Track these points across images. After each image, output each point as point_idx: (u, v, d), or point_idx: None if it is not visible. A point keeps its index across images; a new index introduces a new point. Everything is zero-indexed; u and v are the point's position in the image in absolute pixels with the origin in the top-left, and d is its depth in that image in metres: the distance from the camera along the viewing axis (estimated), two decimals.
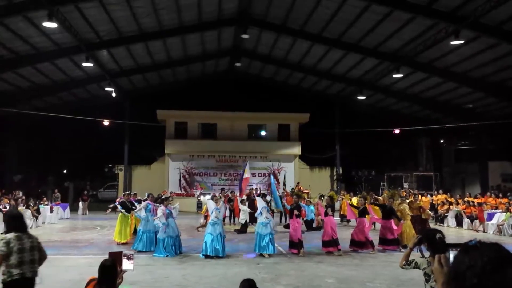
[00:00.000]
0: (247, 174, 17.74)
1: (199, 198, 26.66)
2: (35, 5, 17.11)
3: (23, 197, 22.38)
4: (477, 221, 20.32)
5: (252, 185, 25.04)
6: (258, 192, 21.13)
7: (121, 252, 4.45)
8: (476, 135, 29.15)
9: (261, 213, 13.28)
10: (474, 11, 16.82)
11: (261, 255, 12.87)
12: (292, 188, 24.20)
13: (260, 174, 31.55)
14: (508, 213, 18.72)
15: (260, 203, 13.65)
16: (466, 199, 22.76)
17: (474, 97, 25.93)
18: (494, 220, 19.51)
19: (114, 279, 4.28)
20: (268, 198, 15.95)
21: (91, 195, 36.19)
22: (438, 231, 4.13)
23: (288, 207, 14.96)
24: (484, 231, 19.67)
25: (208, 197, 15.76)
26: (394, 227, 14.27)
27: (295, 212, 13.65)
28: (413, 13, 18.59)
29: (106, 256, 4.47)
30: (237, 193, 21.82)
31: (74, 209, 27.93)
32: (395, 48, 22.54)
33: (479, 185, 28.60)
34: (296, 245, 13.39)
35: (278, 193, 17.53)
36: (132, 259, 4.38)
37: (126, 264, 4.34)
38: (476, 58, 21.07)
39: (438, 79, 24.69)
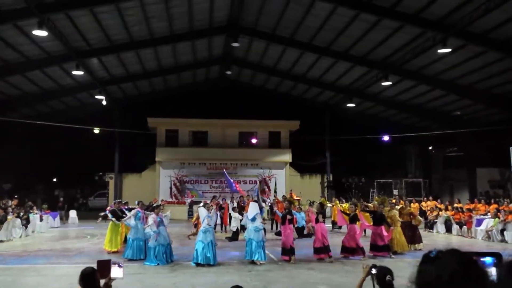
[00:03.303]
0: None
1: (188, 204, 26.60)
2: (25, 13, 17.03)
3: (13, 206, 22.22)
4: (466, 227, 20.50)
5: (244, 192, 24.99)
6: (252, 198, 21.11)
7: (109, 260, 4.43)
8: (464, 142, 29.43)
9: (255, 218, 13.26)
10: (461, 19, 17.08)
11: (253, 262, 12.86)
12: (284, 196, 24.25)
13: (251, 182, 31.56)
14: (497, 219, 18.90)
15: (254, 209, 13.61)
16: (455, 205, 22.95)
17: (462, 104, 26.25)
18: (483, 226, 19.68)
19: (96, 287, 4.27)
20: (268, 201, 15.90)
21: (81, 204, 36.02)
22: (389, 271, 4.13)
23: (280, 214, 14.99)
24: (472, 237, 19.85)
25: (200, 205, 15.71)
26: (385, 233, 14.36)
27: (288, 217, 13.68)
28: (401, 22, 18.85)
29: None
30: (228, 201, 21.86)
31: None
32: (384, 56, 22.77)
33: (468, 192, 28.87)
34: (288, 252, 13.41)
35: (267, 201, 17.60)
36: (122, 266, 4.37)
37: (115, 272, 4.31)
38: (463, 66, 21.35)
39: (426, 87, 24.97)
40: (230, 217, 19.64)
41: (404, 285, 1.85)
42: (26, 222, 21.10)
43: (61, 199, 29.26)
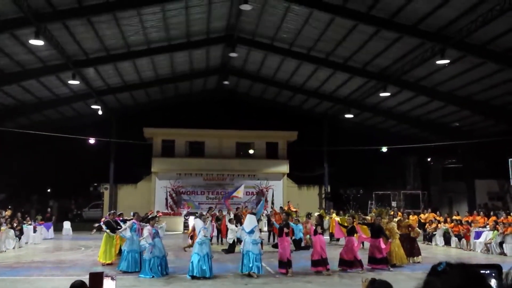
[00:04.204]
0: (239, 194, 17.51)
1: (185, 218, 26.35)
2: (22, 23, 16.97)
3: (7, 217, 21.94)
4: (464, 240, 20.32)
5: (240, 204, 24.78)
6: (250, 210, 20.89)
7: (102, 273, 4.44)
8: (463, 153, 29.35)
9: (253, 231, 13.04)
10: (460, 31, 17.08)
11: (249, 275, 12.61)
12: (281, 207, 24.03)
13: (248, 193, 31.32)
14: (496, 231, 18.73)
15: (252, 221, 13.38)
16: (454, 217, 22.77)
17: (461, 116, 26.18)
18: (482, 239, 19.50)
19: None
20: (265, 213, 15.68)
21: (75, 215, 35.60)
22: (389, 285, 3.98)
23: (277, 225, 14.79)
24: (470, 250, 19.64)
25: (192, 217, 15.49)
26: (383, 245, 14.17)
27: (285, 230, 13.48)
28: (400, 33, 18.83)
29: None
30: (225, 212, 21.64)
31: (58, 228, 27.40)
32: (382, 67, 22.75)
33: (467, 204, 28.70)
34: (285, 265, 13.18)
35: (264, 212, 17.38)
36: (114, 280, 4.34)
37: (108, 285, 4.29)
38: (462, 77, 21.31)
39: (425, 98, 24.90)
40: (227, 229, 19.40)
41: None
42: (20, 233, 20.82)
43: (49, 210, 28.69)
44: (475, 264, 1.69)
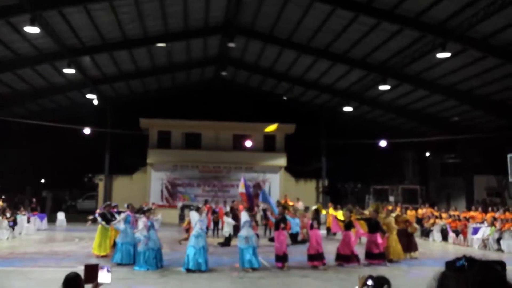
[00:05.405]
0: (242, 189, 17.15)
1: (181, 210, 26.14)
2: (17, 10, 16.67)
3: (0, 207, 21.70)
4: (462, 236, 20.21)
5: (236, 197, 24.55)
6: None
7: (97, 265, 4.29)
8: (462, 148, 29.23)
9: (243, 226, 12.90)
10: (461, 24, 16.92)
11: (244, 270, 12.43)
12: (278, 201, 23.83)
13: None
14: (493, 227, 18.62)
15: (243, 217, 13.25)
16: (451, 213, 22.65)
17: (461, 110, 26.03)
18: (479, 235, 19.38)
19: None
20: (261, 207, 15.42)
21: (69, 206, 35.37)
22: (387, 281, 3.80)
23: (273, 219, 14.62)
24: (468, 246, 19.53)
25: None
26: (380, 240, 14.02)
27: (281, 225, 13.32)
28: (401, 25, 18.62)
29: None
30: (221, 205, 21.45)
31: (52, 219, 27.16)
32: (382, 59, 22.51)
33: (465, 199, 28.62)
34: (281, 259, 13.02)
35: (267, 202, 17.10)
36: (110, 271, 4.23)
37: (103, 277, 4.19)
38: (462, 71, 21.14)
39: (425, 92, 24.72)
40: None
41: None
42: (13, 224, 20.60)
43: (34, 200, 27.64)
44: (493, 261, 1.66)
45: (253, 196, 16.20)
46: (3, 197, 25.80)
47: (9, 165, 29.89)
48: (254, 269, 12.43)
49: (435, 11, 16.92)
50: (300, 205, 24.70)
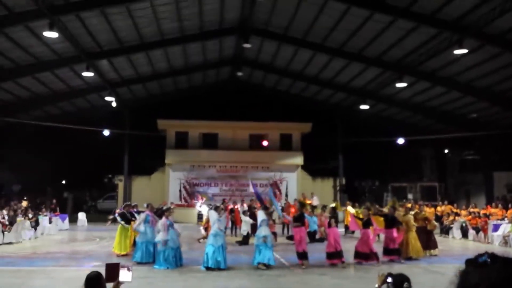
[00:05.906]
0: (252, 189, 17.30)
1: (199, 209, 26.32)
2: (36, 15, 16.98)
3: (23, 207, 22.16)
4: (482, 233, 20.00)
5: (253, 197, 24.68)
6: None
7: (118, 263, 4.37)
8: (481, 145, 28.87)
9: (260, 225, 12.97)
10: (478, 20, 16.74)
11: (258, 267, 12.47)
12: (295, 199, 23.89)
13: (261, 185, 31.19)
14: None
15: (260, 215, 13.31)
16: (471, 210, 22.42)
17: (479, 107, 25.72)
18: (500, 231, 19.17)
19: None
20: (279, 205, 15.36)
21: (90, 206, 35.90)
22: (407, 279, 3.85)
23: (288, 217, 14.64)
24: (488, 243, 19.32)
25: (204, 207, 15.28)
26: (395, 234, 14.01)
27: (298, 223, 13.37)
28: (416, 22, 18.49)
29: None
30: (239, 204, 21.58)
31: (73, 220, 27.63)
32: (398, 57, 22.37)
33: (484, 196, 28.27)
34: (301, 256, 13.07)
35: (279, 204, 17.18)
36: (131, 270, 4.29)
37: (124, 275, 4.26)
38: (480, 68, 20.90)
39: (442, 89, 24.50)
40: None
41: None
42: (36, 224, 21.02)
43: (54, 201, 28.10)
44: None
45: (261, 195, 16.28)
46: (25, 198, 26.32)
47: (30, 167, 30.46)
48: (268, 266, 12.48)
49: (451, 7, 16.78)
50: (315, 200, 24.74)
